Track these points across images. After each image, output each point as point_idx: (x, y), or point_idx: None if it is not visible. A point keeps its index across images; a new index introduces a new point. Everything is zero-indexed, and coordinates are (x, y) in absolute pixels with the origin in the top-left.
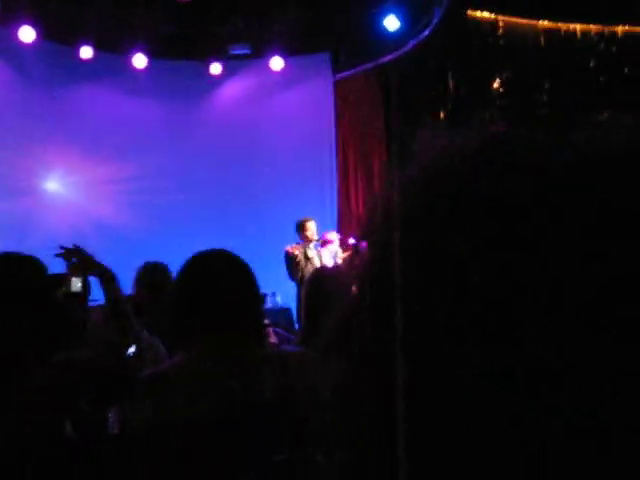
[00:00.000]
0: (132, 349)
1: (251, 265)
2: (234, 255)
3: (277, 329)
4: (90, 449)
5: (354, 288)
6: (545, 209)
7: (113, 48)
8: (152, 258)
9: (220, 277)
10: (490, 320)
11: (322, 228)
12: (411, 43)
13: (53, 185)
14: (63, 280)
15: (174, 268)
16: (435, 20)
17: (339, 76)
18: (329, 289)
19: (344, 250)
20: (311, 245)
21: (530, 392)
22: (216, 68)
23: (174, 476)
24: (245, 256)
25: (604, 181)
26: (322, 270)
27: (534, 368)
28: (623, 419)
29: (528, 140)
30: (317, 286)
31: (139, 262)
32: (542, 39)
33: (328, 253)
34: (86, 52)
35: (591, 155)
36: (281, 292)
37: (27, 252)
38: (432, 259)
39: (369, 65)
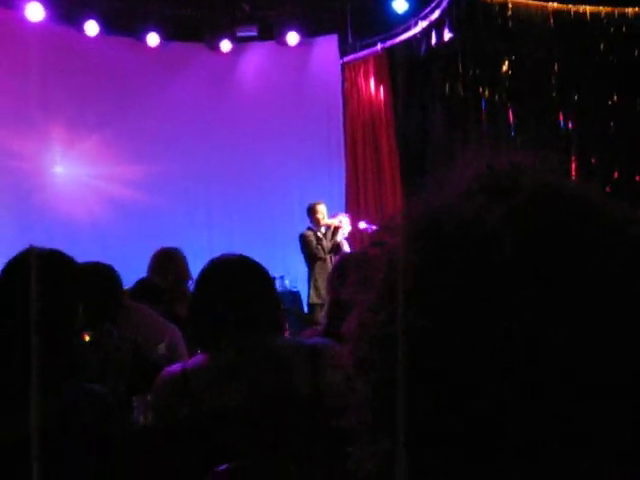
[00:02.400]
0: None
1: (259, 248)
2: (252, 260)
3: None
4: (123, 439)
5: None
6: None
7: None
8: (164, 240)
9: (237, 278)
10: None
11: (331, 210)
12: (420, 25)
13: (68, 167)
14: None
15: (186, 250)
16: (445, 2)
17: (347, 58)
18: (356, 276)
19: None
20: (322, 228)
21: None
22: (225, 47)
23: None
24: (252, 239)
25: None
26: (348, 257)
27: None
28: None
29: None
30: (344, 273)
31: (150, 244)
32: (551, 21)
33: (340, 236)
34: (92, 29)
35: None
36: (289, 275)
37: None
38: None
39: (377, 47)
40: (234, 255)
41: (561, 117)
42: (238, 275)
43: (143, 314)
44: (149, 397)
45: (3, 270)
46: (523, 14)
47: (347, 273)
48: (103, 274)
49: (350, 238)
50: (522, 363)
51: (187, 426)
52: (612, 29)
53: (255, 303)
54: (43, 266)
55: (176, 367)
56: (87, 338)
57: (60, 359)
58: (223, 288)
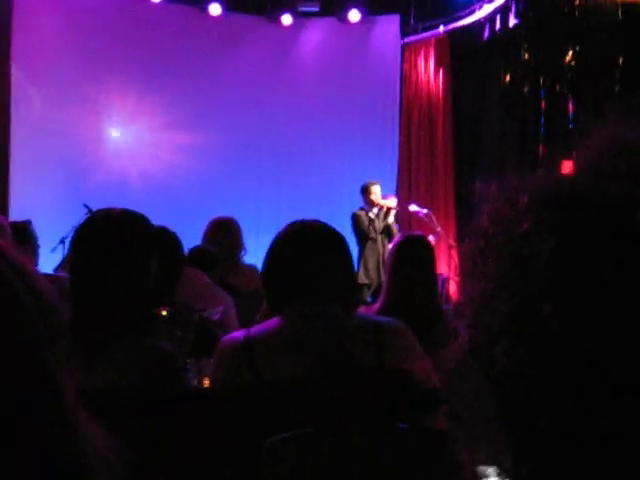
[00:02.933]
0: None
1: None
2: (328, 225)
3: None
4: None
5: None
6: None
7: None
8: (213, 209)
9: (316, 245)
10: None
11: (382, 191)
12: (484, 10)
13: (119, 133)
14: None
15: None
16: None
17: (408, 39)
18: (419, 255)
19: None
20: (375, 209)
21: None
22: (286, 21)
23: (267, 435)
24: (301, 214)
25: None
26: (411, 237)
27: None
28: None
29: None
30: (407, 252)
31: (200, 214)
32: (620, 13)
33: (392, 218)
34: None
35: None
36: None
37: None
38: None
39: (439, 30)
40: (316, 221)
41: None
42: (320, 241)
43: (199, 281)
44: (204, 362)
45: (81, 227)
46: (591, 4)
47: (409, 253)
48: (168, 240)
49: (399, 220)
50: None
51: (247, 394)
52: None
53: (332, 273)
54: (118, 224)
55: (239, 334)
56: (164, 313)
57: (135, 314)
58: (302, 252)
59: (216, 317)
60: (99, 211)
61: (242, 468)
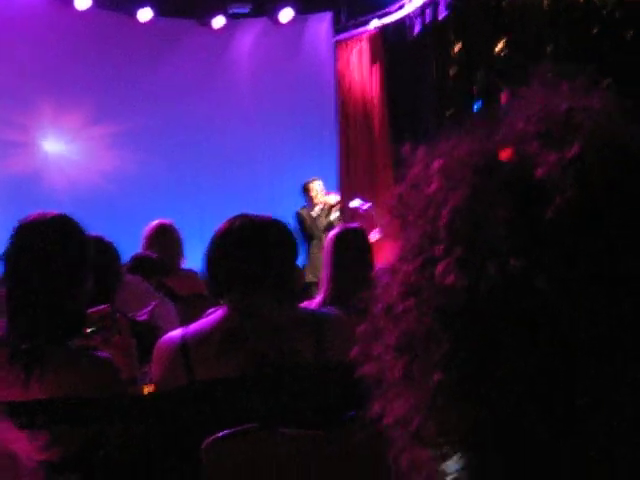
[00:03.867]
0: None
1: None
2: (282, 223)
3: None
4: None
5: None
6: None
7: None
8: (156, 214)
9: (256, 236)
10: None
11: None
12: (414, 3)
13: (52, 143)
14: None
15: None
16: None
17: (340, 36)
18: (356, 246)
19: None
20: (317, 207)
21: None
22: (218, 23)
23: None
24: None
25: None
26: (348, 229)
27: None
28: None
29: None
30: (344, 244)
31: (140, 223)
32: (545, 2)
33: (334, 215)
34: (83, 3)
35: None
36: None
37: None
38: None
39: (371, 26)
40: (265, 216)
41: None
42: (265, 233)
43: (138, 287)
44: (148, 369)
45: (15, 232)
46: None
47: (346, 244)
48: (105, 249)
49: (344, 216)
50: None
51: (185, 396)
52: (605, 13)
53: (275, 265)
54: (54, 229)
55: (176, 335)
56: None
57: (66, 323)
58: (244, 244)
59: (142, 318)
60: (30, 218)
61: (183, 470)
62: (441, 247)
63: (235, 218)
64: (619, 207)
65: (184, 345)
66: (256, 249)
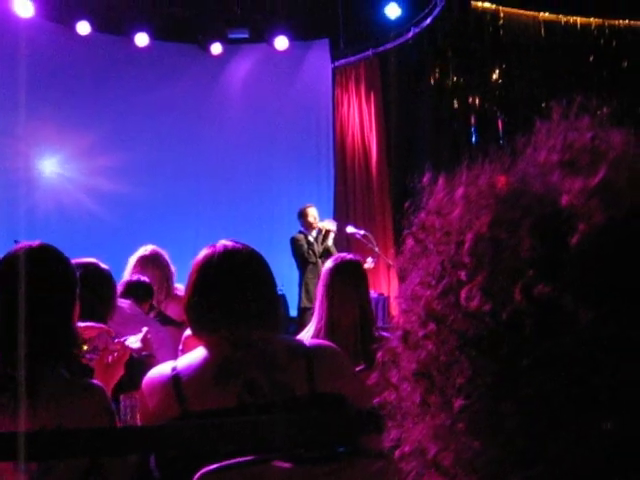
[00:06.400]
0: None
1: None
2: (259, 254)
3: None
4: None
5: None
6: None
7: (114, 28)
8: (151, 241)
9: (237, 266)
10: None
11: (319, 215)
12: (412, 31)
13: (48, 170)
14: None
15: (173, 251)
16: (437, 9)
17: (338, 63)
18: (353, 280)
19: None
20: (313, 232)
21: None
22: (216, 49)
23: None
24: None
25: None
26: (345, 259)
27: None
28: None
29: None
30: (341, 277)
31: (137, 245)
32: (542, 31)
33: (331, 240)
34: (84, 29)
35: None
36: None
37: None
38: None
39: (369, 52)
40: (241, 244)
41: None
42: (245, 265)
43: (131, 313)
44: (137, 397)
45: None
46: (515, 23)
47: (342, 276)
48: (99, 275)
49: (337, 243)
50: None
51: (177, 428)
52: (602, 41)
53: (257, 297)
54: (35, 259)
55: (166, 368)
56: (85, 347)
57: (56, 349)
58: (227, 275)
59: (135, 347)
60: (15, 250)
61: None
62: (465, 272)
63: (208, 251)
64: None
65: (176, 379)
66: (234, 281)
